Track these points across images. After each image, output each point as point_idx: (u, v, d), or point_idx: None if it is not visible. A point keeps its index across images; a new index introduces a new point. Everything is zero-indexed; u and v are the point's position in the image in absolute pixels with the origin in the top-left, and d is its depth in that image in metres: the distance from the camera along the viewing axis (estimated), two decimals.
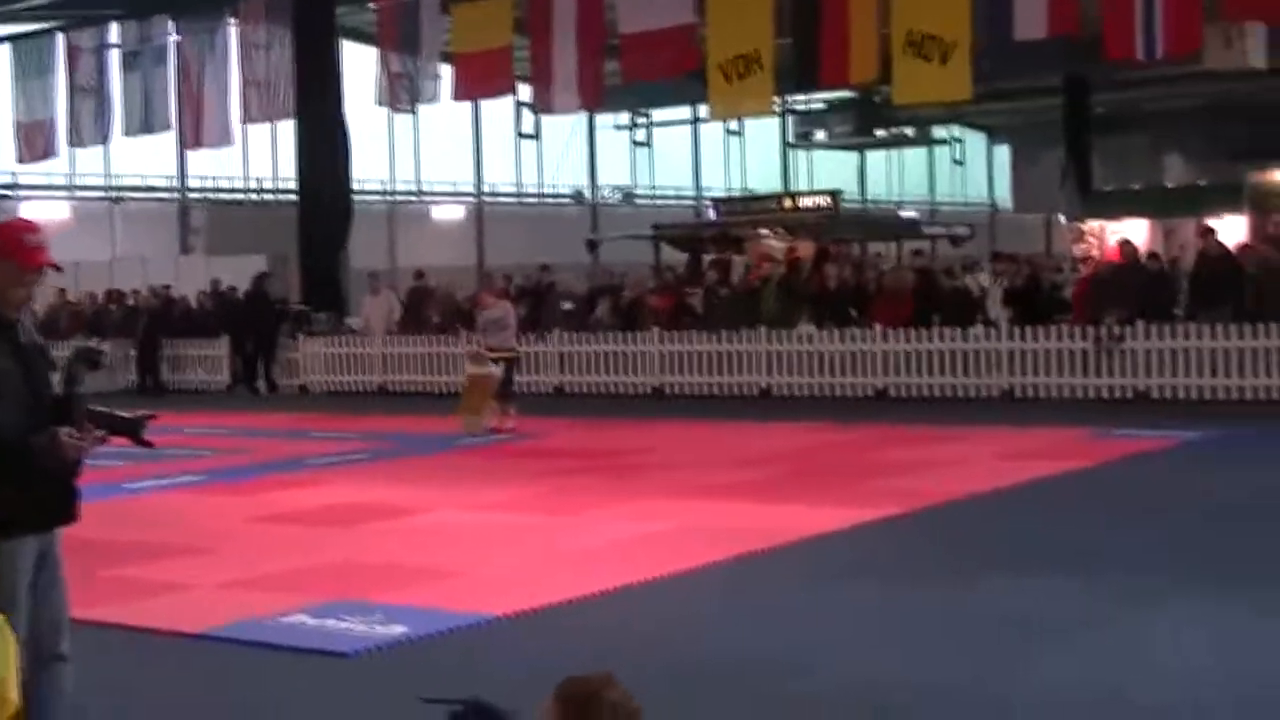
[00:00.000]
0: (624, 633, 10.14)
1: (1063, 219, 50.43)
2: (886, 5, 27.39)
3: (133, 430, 7.11)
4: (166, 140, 43.20)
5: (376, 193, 53.45)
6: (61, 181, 48.53)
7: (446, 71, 34.77)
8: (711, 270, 33.90)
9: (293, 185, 38.45)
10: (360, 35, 42.59)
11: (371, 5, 37.09)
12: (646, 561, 12.75)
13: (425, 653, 10.07)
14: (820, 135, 61.91)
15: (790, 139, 65.64)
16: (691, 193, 67.20)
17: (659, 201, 64.65)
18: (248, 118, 37.17)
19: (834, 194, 43.76)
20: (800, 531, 13.93)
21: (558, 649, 9.64)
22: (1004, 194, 76.58)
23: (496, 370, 24.01)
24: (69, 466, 6.93)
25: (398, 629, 10.54)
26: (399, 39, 34.61)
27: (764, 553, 13.14)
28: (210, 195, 52.51)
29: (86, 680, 6.35)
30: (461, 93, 34.29)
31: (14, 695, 6.10)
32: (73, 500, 7.09)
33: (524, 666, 9.15)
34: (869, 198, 71.45)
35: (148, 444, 7.21)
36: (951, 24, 26.67)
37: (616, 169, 64.58)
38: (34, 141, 40.14)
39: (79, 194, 49.45)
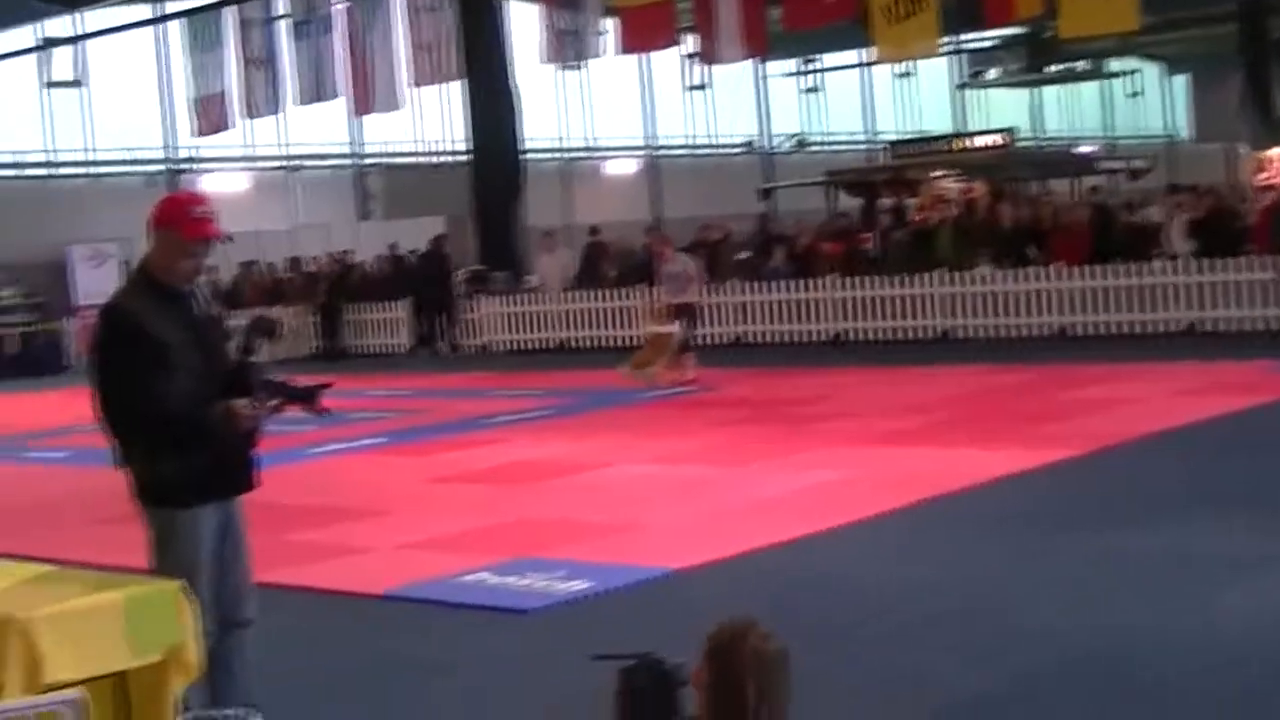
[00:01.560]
0: (802, 583, 10.10)
1: (1243, 148, 49.53)
2: None
3: (308, 398, 7.20)
4: (339, 107, 43.65)
5: (548, 150, 53.59)
6: (239, 153, 49.17)
7: (611, 26, 34.79)
8: (887, 215, 33.64)
9: (463, 147, 38.69)
10: None
11: None
12: (823, 511, 12.72)
13: (607, 607, 10.13)
14: (992, 74, 61.34)
15: (961, 79, 65.05)
16: (864, 137, 66.72)
17: (831, 147, 64.28)
18: (416, 81, 37.38)
19: (1008, 132, 43.18)
20: (977, 476, 13.80)
21: (737, 601, 9.58)
22: (1182, 125, 75.48)
23: (676, 328, 24.02)
24: (244, 436, 7.04)
25: (579, 584, 10.61)
26: None
27: (940, 499, 13.04)
28: (385, 160, 52.97)
29: (271, 642, 6.44)
30: (626, 46, 34.26)
31: (194, 659, 6.23)
32: (249, 469, 7.20)
33: (704, 619, 9.15)
34: (1044, 135, 70.60)
35: (324, 411, 7.31)
36: None
37: (788, 116, 64.28)
38: (209, 114, 40.71)
39: (257, 165, 50.08)
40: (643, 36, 33.05)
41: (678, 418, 19.92)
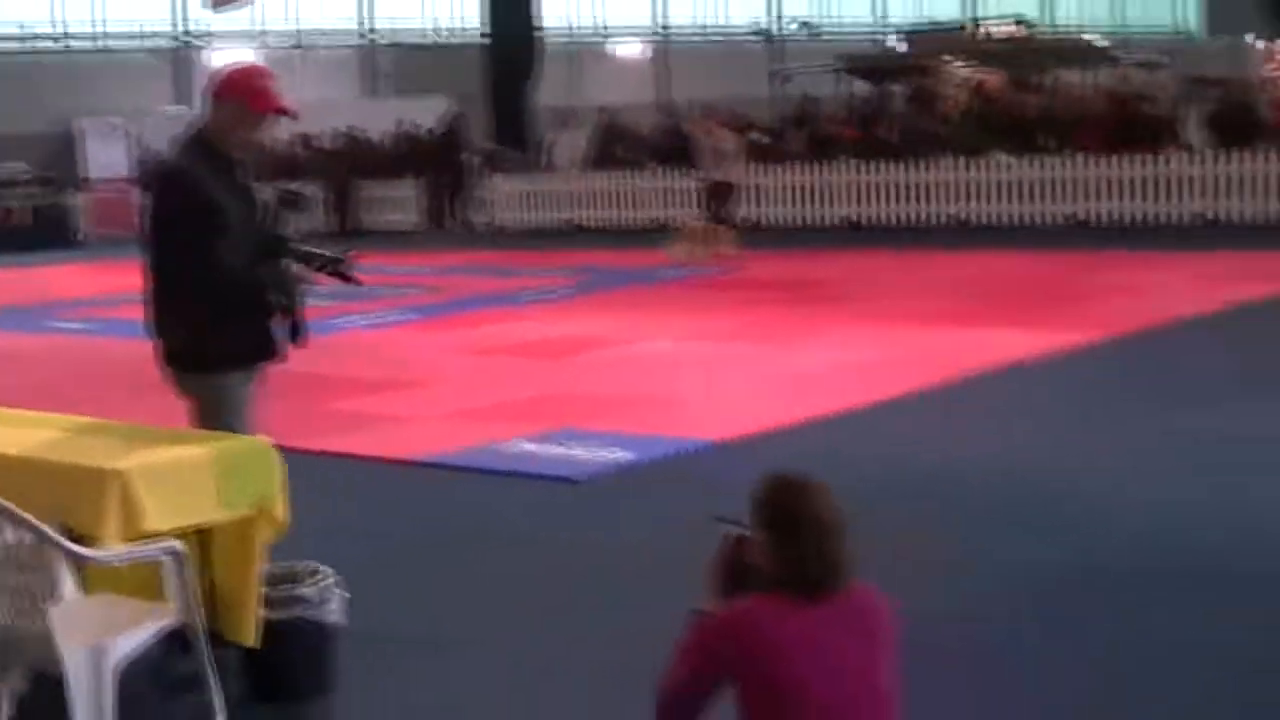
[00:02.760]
0: (846, 457, 10.13)
1: (1254, 40, 49.30)
2: None
3: (338, 268, 7.24)
4: None
5: (558, 30, 53.41)
6: (249, 30, 48.95)
7: None
8: (909, 102, 33.55)
9: (474, 26, 38.54)
10: None
11: None
12: (859, 386, 12.82)
13: (649, 476, 10.24)
14: None
15: None
16: (872, 24, 66.34)
17: (840, 33, 63.96)
18: None
19: (1023, 21, 43.01)
20: (1007, 356, 13.90)
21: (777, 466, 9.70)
22: (1193, 18, 75.02)
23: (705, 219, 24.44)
24: (294, 299, 7.10)
25: (621, 454, 10.71)
26: None
27: (974, 376, 13.15)
28: (394, 39, 52.74)
29: (329, 505, 6.51)
30: None
31: (283, 514, 6.33)
32: (290, 339, 7.23)
33: (739, 488, 9.28)
34: (1055, 25, 70.18)
35: (355, 280, 7.36)
36: None
37: (798, 1, 63.92)
38: None
39: (266, 42, 49.86)
40: None
41: (703, 297, 20.00)
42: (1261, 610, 7.10)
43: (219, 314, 6.95)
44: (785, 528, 4.41)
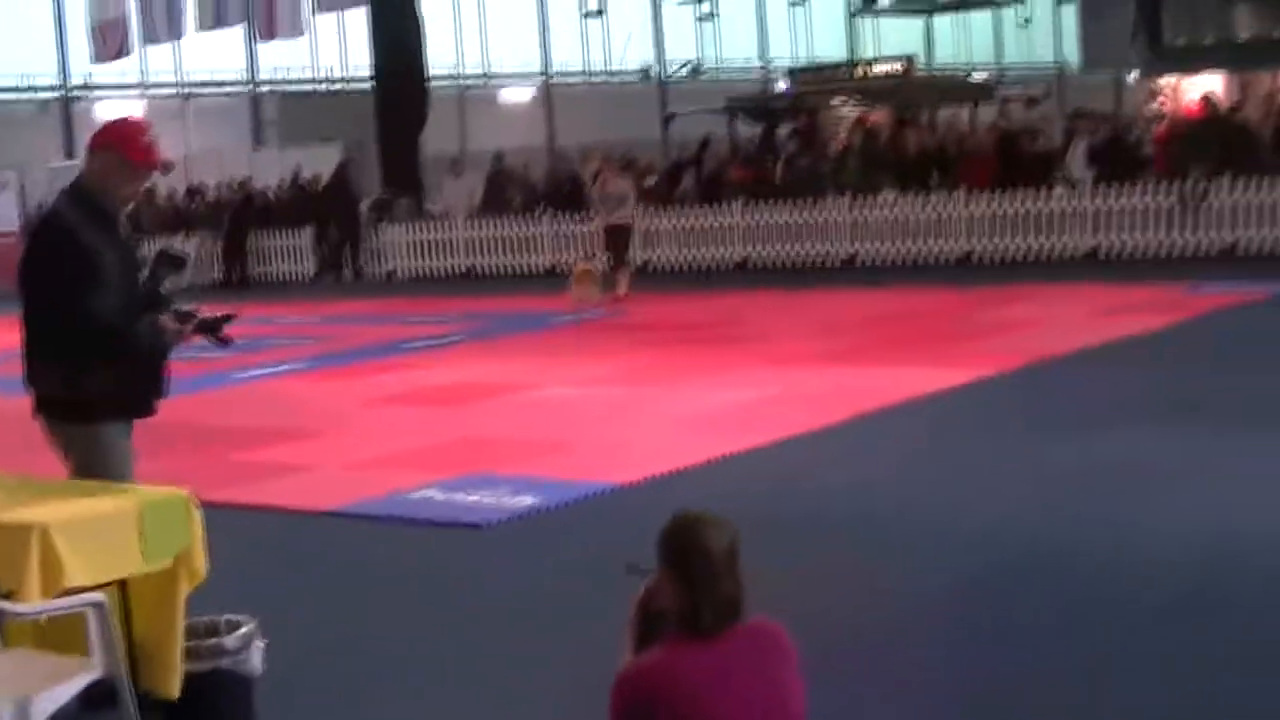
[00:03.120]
0: (744, 494, 10.28)
1: (1133, 76, 50.06)
2: None
3: (213, 329, 7.31)
4: (235, 35, 43.44)
5: (445, 77, 53.52)
6: (134, 80, 48.78)
7: None
8: (792, 140, 33.85)
9: (363, 73, 38.55)
10: None
11: None
12: (758, 426, 12.97)
13: (556, 521, 10.36)
14: (885, 1, 61.58)
15: (856, 6, 65.32)
16: (758, 64, 66.89)
17: (726, 75, 64.42)
18: (320, 7, 37.28)
19: (907, 59, 43.48)
20: (902, 393, 14.10)
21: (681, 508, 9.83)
22: (1072, 54, 76.04)
23: (598, 262, 24.72)
24: (165, 352, 7.16)
25: (527, 500, 10.82)
26: None
27: (870, 414, 13.35)
28: (281, 87, 52.68)
29: (237, 559, 6.58)
30: None
31: (201, 565, 6.41)
32: (157, 393, 7.28)
33: (648, 531, 9.43)
34: (937, 64, 71.01)
35: (226, 341, 7.40)
36: None
37: (683, 44, 64.36)
38: (109, 40, 40.50)
39: (151, 91, 49.69)
40: None
41: (597, 341, 20.15)
42: (1135, 623, 7.40)
43: (93, 363, 6.97)
44: (680, 564, 4.56)
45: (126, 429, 7.22)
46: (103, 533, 6.15)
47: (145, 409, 7.27)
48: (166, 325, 7.10)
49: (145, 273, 7.27)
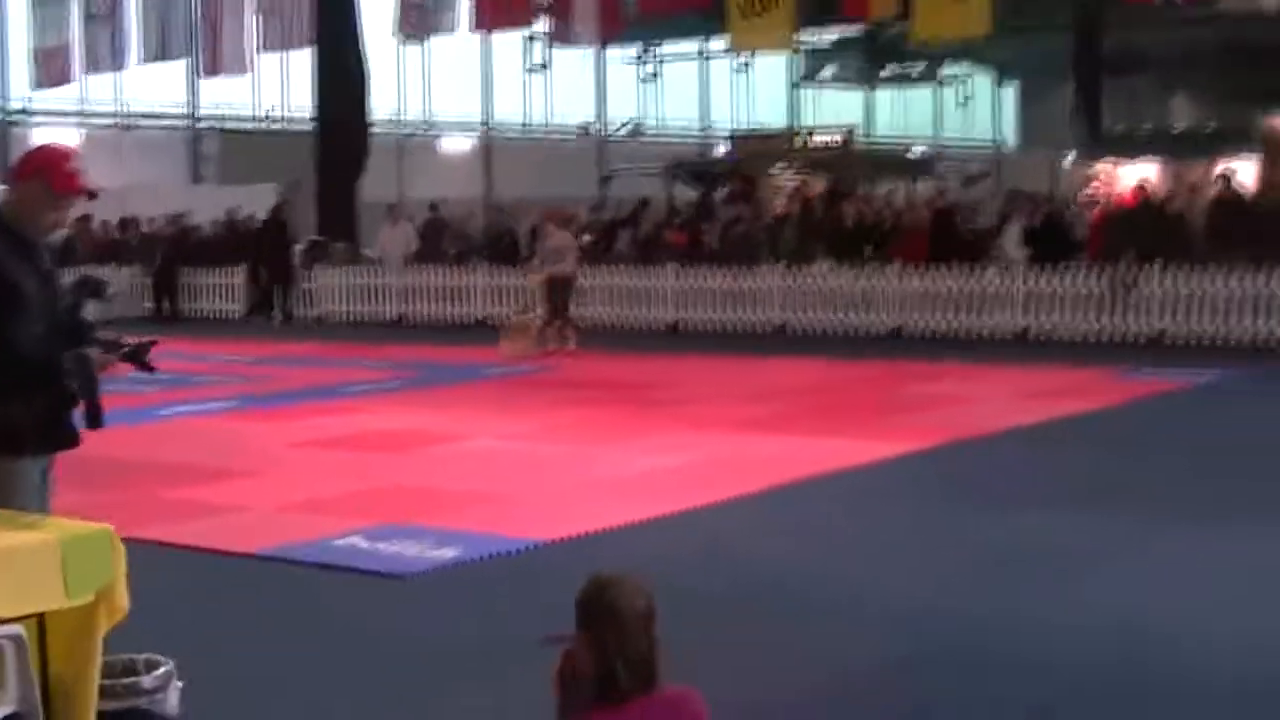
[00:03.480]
0: (668, 560, 10.30)
1: (1069, 160, 50.52)
2: None
3: (136, 356, 7.23)
4: (177, 68, 43.36)
5: (386, 123, 53.49)
6: (73, 108, 48.58)
7: (462, 2, 34.89)
8: (728, 205, 34.00)
9: (304, 114, 38.54)
10: None
11: None
12: (683, 490, 13.00)
13: (478, 576, 10.35)
14: (828, 72, 61.92)
15: (797, 75, 65.64)
16: (699, 127, 67.14)
17: (667, 136, 64.65)
18: (265, 46, 37.28)
19: (848, 131, 43.82)
20: (828, 464, 14.16)
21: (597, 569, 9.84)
22: (1010, 134, 76.61)
23: (533, 316, 24.93)
24: (92, 384, 7.09)
25: (450, 552, 10.81)
26: None
27: (796, 483, 13.38)
28: (221, 124, 52.56)
29: (146, 599, 6.53)
30: (481, 23, 34.47)
31: (123, 601, 6.36)
32: (73, 426, 7.20)
33: (569, 589, 9.43)
34: (876, 136, 71.44)
35: (150, 369, 7.32)
36: None
37: (625, 103, 64.56)
38: (50, 67, 40.42)
39: (90, 121, 49.49)
40: (497, 14, 33.28)
41: (525, 395, 20.11)
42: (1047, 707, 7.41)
43: (6, 395, 6.86)
44: (595, 625, 4.58)
45: (45, 461, 7.12)
46: (23, 564, 6.06)
47: (67, 440, 7.17)
48: (92, 355, 7.04)
49: (66, 300, 7.20)
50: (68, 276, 7.54)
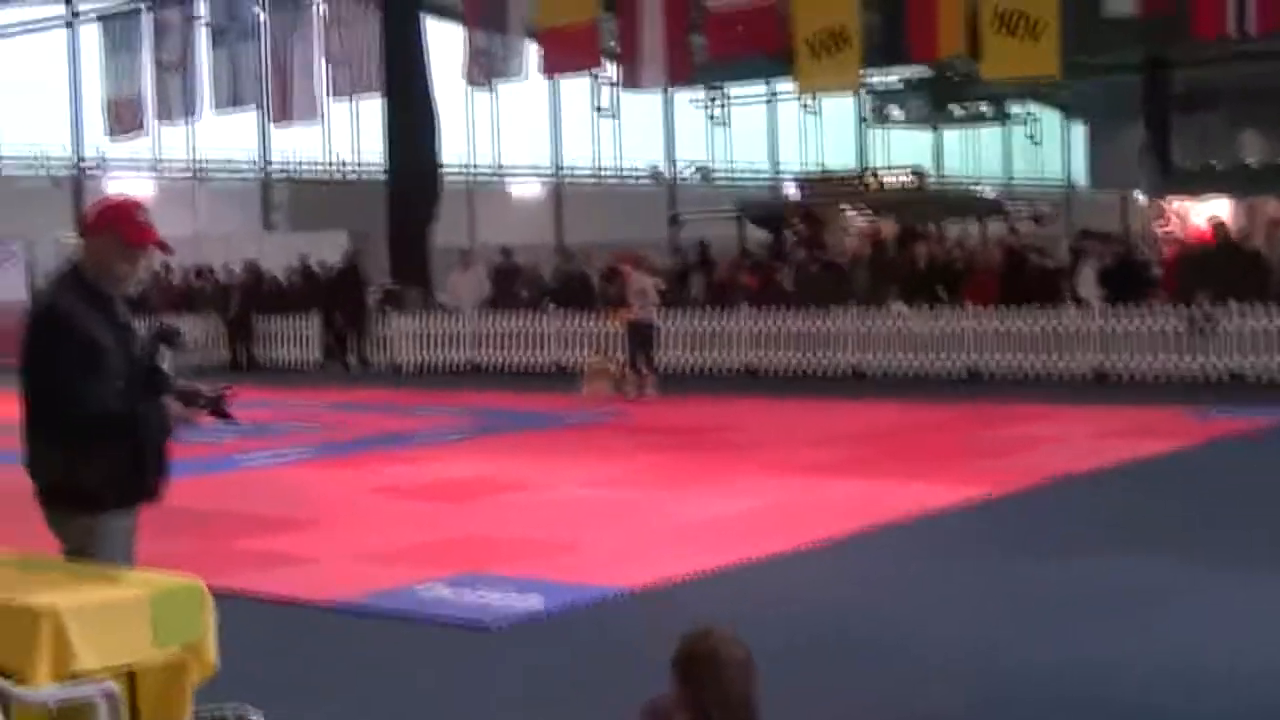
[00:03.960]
0: (754, 605, 10.25)
1: (1141, 197, 50.31)
2: None
3: (214, 405, 7.22)
4: (248, 118, 43.71)
5: (456, 169, 53.72)
6: (147, 158, 49.01)
7: (530, 47, 34.99)
8: (799, 247, 33.96)
9: (374, 162, 38.74)
10: (443, 11, 42.84)
11: None
12: (764, 536, 12.93)
13: (563, 625, 10.28)
14: (896, 113, 61.83)
15: (866, 116, 65.61)
16: (767, 170, 67.20)
17: (735, 179, 64.74)
18: (335, 93, 37.49)
19: (918, 172, 43.74)
20: (908, 508, 14.07)
21: (690, 621, 9.76)
22: (1080, 172, 76.35)
23: (613, 360, 25.39)
24: (169, 436, 7.09)
25: (534, 601, 10.75)
26: (483, 14, 34.73)
27: (870, 530, 13.28)
28: (292, 172, 52.92)
29: (230, 649, 6.51)
30: (548, 68, 34.50)
31: (212, 656, 6.35)
32: (162, 477, 7.21)
33: (660, 638, 9.38)
34: (945, 176, 71.32)
35: (230, 417, 7.31)
36: (1040, 1, 26.77)
37: (693, 146, 64.67)
38: (123, 118, 40.68)
39: (163, 171, 49.92)
40: (565, 59, 33.24)
41: (601, 442, 20.10)
42: None
43: (93, 453, 6.88)
44: (692, 675, 4.54)
45: (129, 515, 7.12)
46: (114, 618, 6.10)
47: (150, 494, 7.18)
48: (171, 408, 7.05)
49: (142, 350, 7.20)
50: (143, 326, 7.54)
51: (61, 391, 6.80)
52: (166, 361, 7.22)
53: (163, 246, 7.28)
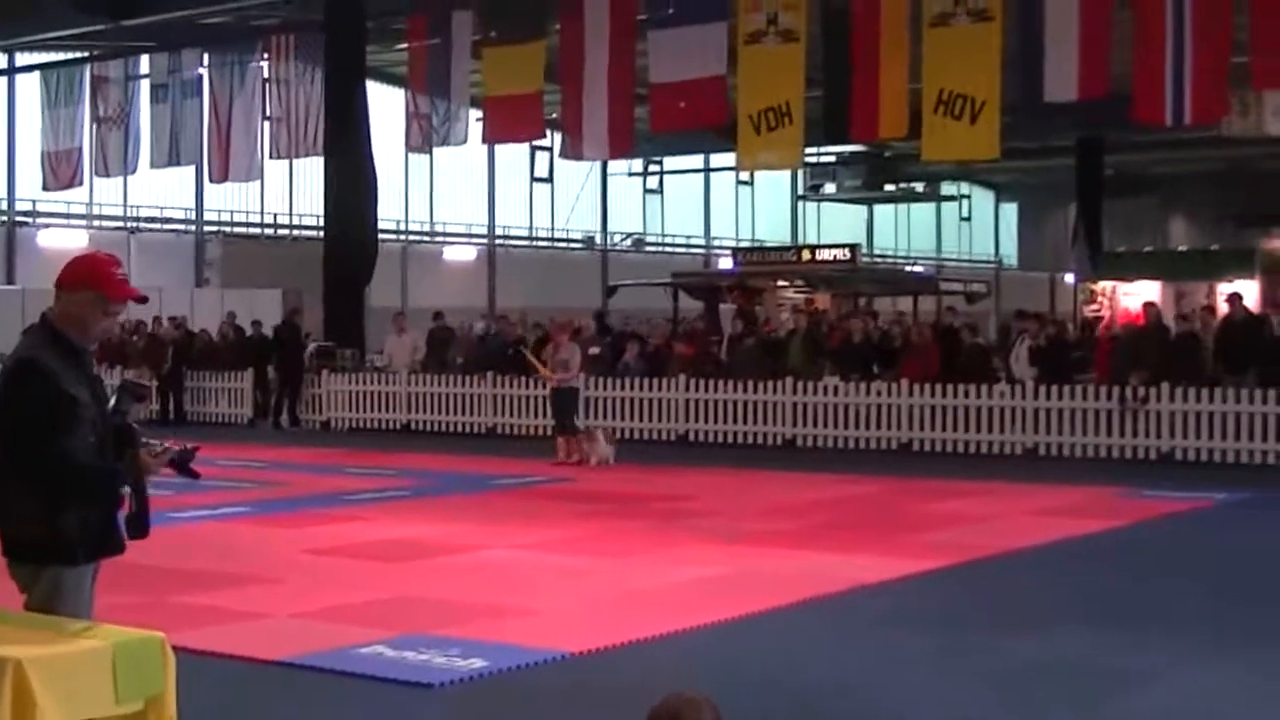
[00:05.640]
0: (699, 671, 10.30)
1: (1070, 278, 50.81)
2: (918, 62, 27.62)
3: (182, 461, 7.28)
4: (184, 173, 43.58)
5: (390, 231, 53.71)
6: (80, 211, 48.85)
7: (471, 114, 35.10)
8: (736, 320, 34.10)
9: (308, 221, 38.66)
10: (385, 76, 42.98)
11: (401, 46, 37.25)
12: (704, 605, 12.96)
13: (506, 686, 10.30)
14: (830, 188, 62.32)
15: (800, 191, 66.05)
16: (701, 241, 67.52)
17: (669, 248, 65.01)
18: (275, 153, 37.46)
19: (853, 247, 44.03)
20: (847, 581, 14.14)
21: (633, 686, 9.78)
22: (1010, 252, 77.08)
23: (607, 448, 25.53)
24: (143, 490, 7.13)
25: (476, 662, 10.74)
26: (427, 80, 34.82)
27: (817, 600, 13.36)
28: (226, 229, 52.81)
29: (185, 708, 6.50)
30: (491, 136, 34.62)
31: (172, 711, 6.34)
32: (121, 532, 7.23)
33: (603, 702, 9.43)
34: (876, 252, 71.80)
35: (194, 475, 7.38)
36: (982, 84, 26.95)
37: (628, 215, 64.94)
38: (60, 170, 40.53)
39: (96, 223, 49.73)
40: (508, 127, 33.31)
41: (541, 507, 20.07)
42: None
43: (63, 506, 6.89)
44: None
45: (86, 571, 7.12)
46: (76, 671, 6.09)
47: (116, 547, 7.20)
48: (145, 460, 7.08)
49: (114, 405, 7.23)
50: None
51: (40, 447, 6.81)
52: (130, 415, 7.26)
53: (141, 299, 7.35)
